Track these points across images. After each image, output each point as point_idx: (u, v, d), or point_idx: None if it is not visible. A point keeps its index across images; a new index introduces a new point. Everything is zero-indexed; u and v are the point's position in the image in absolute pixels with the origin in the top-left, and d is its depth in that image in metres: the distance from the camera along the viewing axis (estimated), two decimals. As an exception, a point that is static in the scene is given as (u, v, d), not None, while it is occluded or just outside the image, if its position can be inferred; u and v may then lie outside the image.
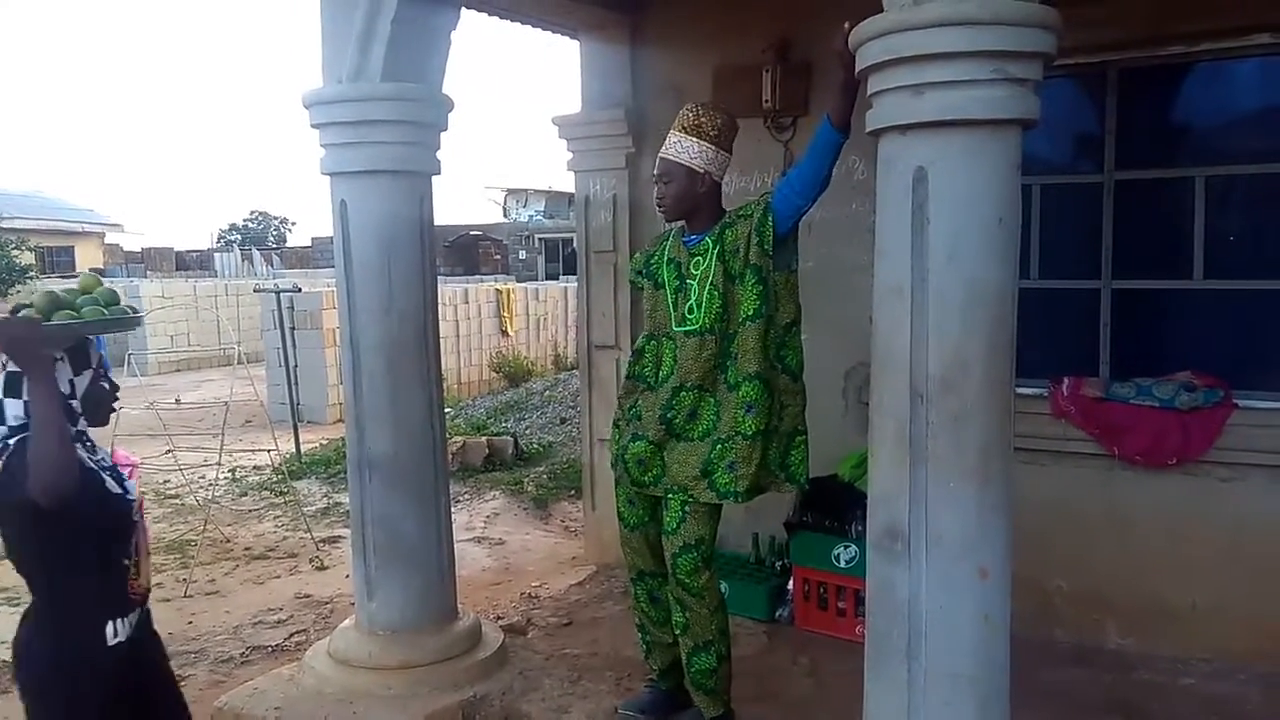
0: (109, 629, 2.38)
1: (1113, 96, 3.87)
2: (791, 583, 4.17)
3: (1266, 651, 3.55)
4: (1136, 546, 3.78)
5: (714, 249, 3.06)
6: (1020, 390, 3.88)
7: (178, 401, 10.64)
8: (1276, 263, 3.68)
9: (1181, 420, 3.65)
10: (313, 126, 3.51)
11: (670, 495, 3.10)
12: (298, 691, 3.51)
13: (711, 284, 3.04)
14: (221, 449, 6.88)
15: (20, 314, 2.34)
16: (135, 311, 2.63)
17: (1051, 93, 3.91)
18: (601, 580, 4.93)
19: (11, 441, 2.25)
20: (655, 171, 3.16)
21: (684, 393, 3.08)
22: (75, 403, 2.38)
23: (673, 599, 3.12)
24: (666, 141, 3.14)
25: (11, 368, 2.29)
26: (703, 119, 3.09)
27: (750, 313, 3.02)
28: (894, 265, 2.51)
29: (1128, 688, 3.52)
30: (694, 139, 3.08)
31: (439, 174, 3.63)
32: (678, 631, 3.14)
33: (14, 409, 2.28)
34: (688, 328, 3.08)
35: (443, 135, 3.64)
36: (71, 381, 2.37)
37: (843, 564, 3.91)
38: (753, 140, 4.44)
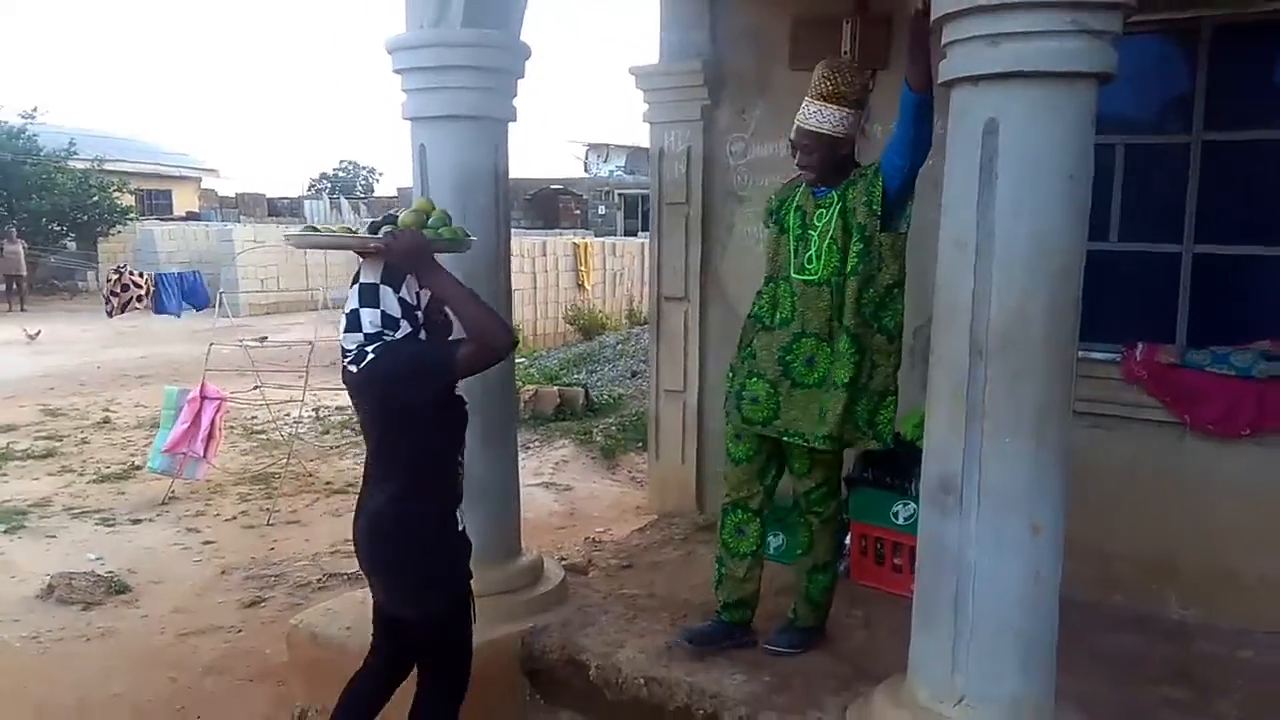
0: (458, 517, 2.74)
1: (1204, 54, 3.73)
2: (849, 537, 4.20)
3: (1333, 627, 3.48)
4: (1203, 516, 3.71)
5: (837, 204, 3.14)
6: (1092, 354, 3.89)
7: (263, 341, 11.01)
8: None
9: (1258, 389, 3.56)
10: (395, 72, 3.60)
11: (786, 438, 3.26)
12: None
13: (831, 237, 3.14)
14: (306, 387, 7.14)
15: (392, 228, 2.69)
16: (470, 235, 2.94)
17: (1141, 49, 3.84)
18: (662, 528, 5.02)
19: (369, 349, 2.58)
20: (795, 139, 3.19)
21: (805, 339, 3.20)
22: (419, 313, 2.67)
23: (802, 523, 3.43)
24: (804, 110, 3.14)
25: (366, 279, 2.63)
26: (842, 86, 3.10)
27: (850, 268, 3.11)
28: (960, 219, 2.51)
29: (1185, 657, 3.49)
30: (834, 106, 3.10)
31: (515, 121, 3.70)
32: (800, 552, 3.45)
33: (370, 317, 2.61)
34: (806, 277, 3.19)
35: (520, 84, 3.70)
36: (417, 294, 2.67)
37: (901, 520, 3.93)
38: (829, 93, 4.41)
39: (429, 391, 2.60)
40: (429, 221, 2.80)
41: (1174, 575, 3.80)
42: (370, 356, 2.58)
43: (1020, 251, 2.42)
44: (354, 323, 2.63)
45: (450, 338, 2.72)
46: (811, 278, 3.17)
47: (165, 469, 6.60)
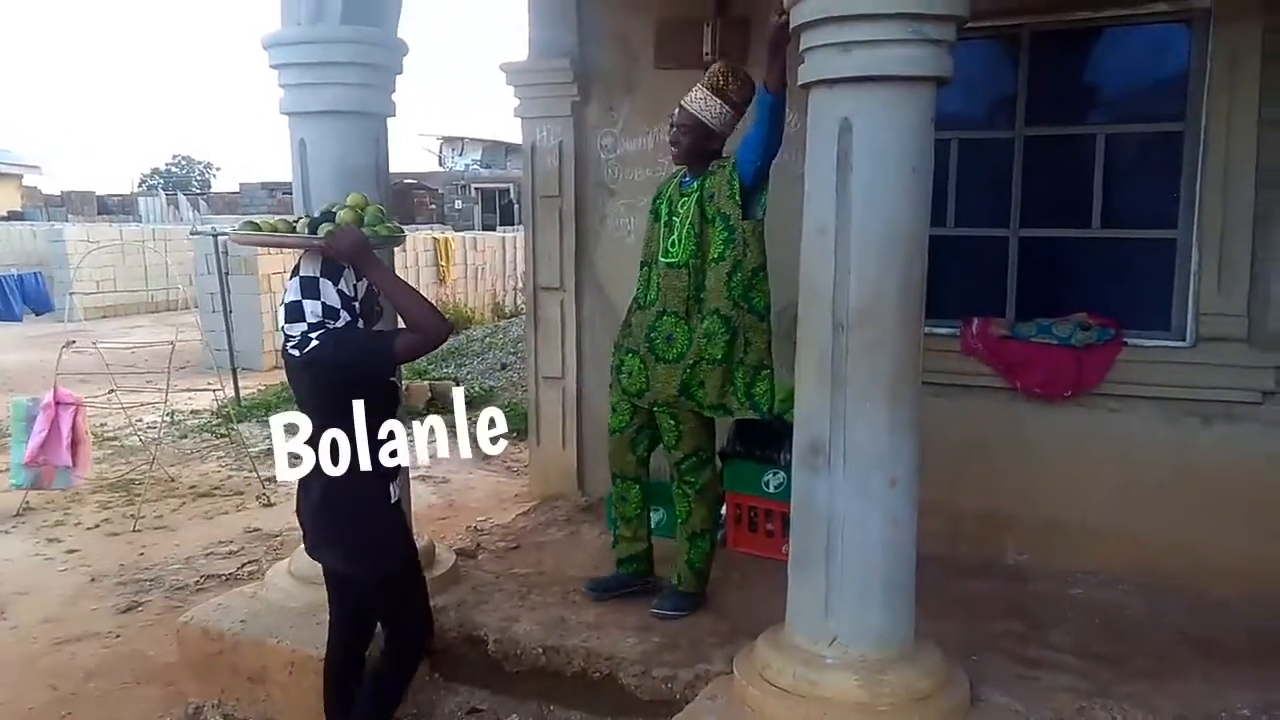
0: (392, 488, 2.95)
1: (1025, 58, 4.17)
2: (724, 508, 4.48)
3: (1146, 565, 3.96)
4: (1035, 471, 4.16)
5: (696, 193, 3.45)
6: (934, 330, 4.27)
7: (70, 345, 10.48)
8: (1164, 214, 4.04)
9: (1076, 356, 4.02)
10: (272, 67, 3.63)
11: (657, 409, 3.58)
12: (262, 606, 3.72)
13: (690, 224, 3.44)
14: (168, 389, 6.95)
15: (332, 224, 2.86)
16: (402, 231, 3.14)
17: (971, 53, 4.24)
18: (545, 510, 5.18)
19: (313, 336, 2.76)
20: (675, 119, 3.48)
21: (665, 317, 3.51)
22: (357, 304, 2.85)
23: (678, 494, 3.69)
24: (692, 94, 3.43)
25: (306, 272, 2.79)
26: (730, 84, 3.40)
27: (716, 255, 3.41)
28: (820, 208, 2.78)
29: (1024, 597, 3.91)
30: (719, 99, 3.40)
31: (393, 116, 3.79)
32: (679, 519, 3.69)
33: (312, 307, 2.78)
34: (669, 260, 3.51)
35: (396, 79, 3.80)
36: (355, 286, 2.85)
37: (772, 489, 4.23)
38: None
39: (373, 377, 2.83)
40: (365, 219, 2.94)
41: (1010, 526, 4.24)
42: (314, 343, 2.76)
43: (874, 236, 2.72)
44: (296, 313, 2.79)
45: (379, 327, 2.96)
46: (673, 260, 3.49)
47: (31, 483, 6.30)
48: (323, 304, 2.80)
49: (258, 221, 3.03)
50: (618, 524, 3.87)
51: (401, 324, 2.93)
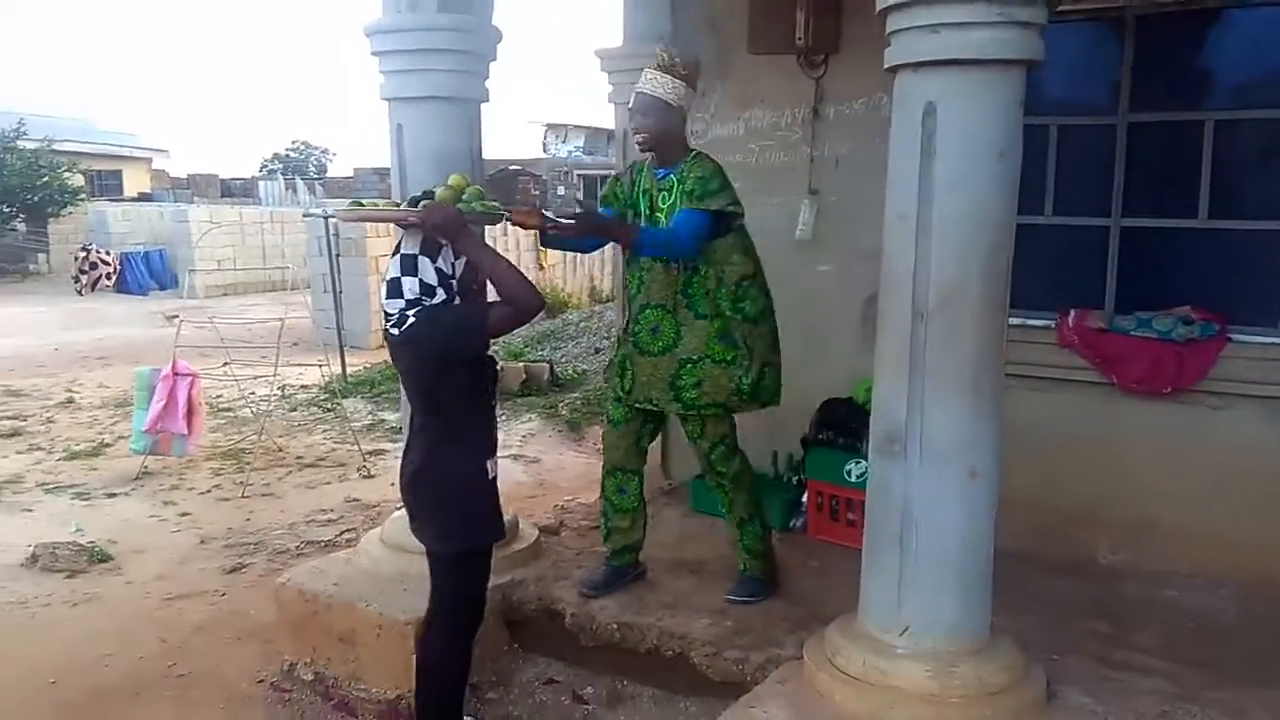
0: (489, 465, 3.03)
1: (1130, 41, 4.01)
2: (806, 495, 4.47)
3: (1244, 569, 3.79)
4: (1131, 469, 4.02)
5: (679, 186, 3.43)
6: (1029, 321, 4.18)
7: (175, 319, 10.83)
8: (1276, 205, 3.85)
9: (1177, 351, 3.87)
10: (372, 54, 3.77)
11: (639, 404, 3.58)
12: (354, 571, 3.88)
13: (675, 217, 3.41)
14: (277, 362, 7.26)
15: (429, 202, 2.95)
16: (499, 208, 3.16)
17: (1072, 37, 4.12)
18: (630, 491, 5.24)
19: (410, 313, 2.85)
20: (632, 106, 3.47)
21: (650, 310, 3.50)
22: (454, 282, 2.93)
23: (714, 485, 3.68)
24: (643, 79, 3.43)
25: (406, 250, 2.88)
26: (675, 60, 3.41)
27: (704, 255, 3.41)
28: (902, 193, 2.75)
29: (1112, 598, 3.80)
30: (669, 76, 3.39)
31: (488, 102, 3.89)
32: (725, 510, 3.69)
33: (410, 285, 2.87)
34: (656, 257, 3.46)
35: (491, 66, 3.89)
36: (453, 264, 2.93)
37: (853, 478, 4.20)
38: (785, 75, 4.66)
39: (466, 350, 2.92)
40: (464, 196, 3.03)
41: (1104, 525, 4.11)
42: (410, 320, 2.85)
43: (957, 221, 2.67)
44: (395, 289, 2.89)
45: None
46: (661, 257, 3.45)
47: (149, 448, 6.71)
48: (420, 281, 2.88)
49: (364, 202, 3.19)
50: (611, 517, 3.78)
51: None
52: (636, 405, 3.60)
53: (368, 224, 12.79)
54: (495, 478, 3.10)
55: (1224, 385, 3.86)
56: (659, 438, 5.38)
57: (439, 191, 3.04)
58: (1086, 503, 4.12)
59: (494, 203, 3.12)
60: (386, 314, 2.93)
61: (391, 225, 3.19)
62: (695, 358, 3.45)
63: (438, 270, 2.90)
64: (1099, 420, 4.10)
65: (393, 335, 2.92)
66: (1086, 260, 4.23)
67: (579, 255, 17.04)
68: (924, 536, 2.78)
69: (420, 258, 2.89)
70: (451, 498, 3.02)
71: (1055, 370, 4.15)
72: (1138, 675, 3.12)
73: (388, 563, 3.83)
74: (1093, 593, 3.84)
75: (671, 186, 3.45)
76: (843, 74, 4.56)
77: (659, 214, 3.48)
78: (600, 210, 3.72)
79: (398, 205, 3.10)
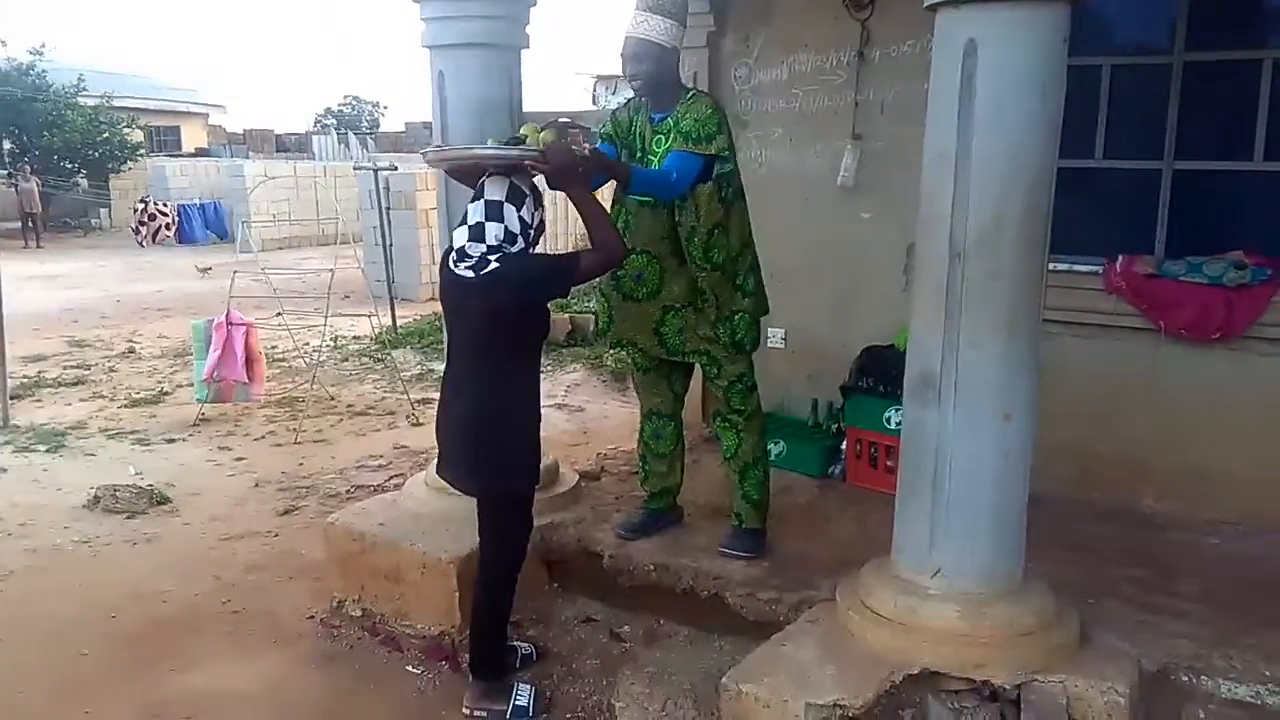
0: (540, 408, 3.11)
1: (1187, -25, 3.89)
2: (845, 443, 4.47)
3: (1293, 517, 3.74)
4: (1177, 416, 3.97)
5: (673, 130, 3.35)
6: (1076, 266, 4.12)
7: (207, 271, 10.71)
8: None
9: (1227, 297, 3.78)
10: (413, 1, 3.79)
11: (618, 348, 3.62)
12: (399, 513, 3.98)
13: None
14: (328, 314, 7.39)
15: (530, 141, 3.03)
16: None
17: (1126, -28, 3.98)
18: (671, 438, 5.28)
19: (492, 258, 2.90)
20: (624, 52, 3.35)
21: (634, 255, 3.44)
22: (532, 232, 3.00)
23: (725, 426, 3.62)
24: (633, 22, 3.30)
25: (491, 196, 2.92)
26: (665, 1, 3.28)
27: (693, 198, 3.35)
28: (941, 133, 2.71)
29: (1155, 545, 3.76)
30: (660, 17, 3.27)
31: (528, 49, 3.89)
32: (727, 456, 3.62)
33: (495, 231, 2.92)
34: (641, 198, 3.41)
35: (532, 11, 3.88)
36: (534, 214, 3.00)
37: (893, 425, 4.18)
38: (830, 17, 4.58)
39: (555, 296, 3.06)
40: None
41: (1148, 472, 4.07)
42: (493, 265, 2.89)
43: (996, 162, 2.63)
44: (479, 234, 2.93)
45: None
46: (646, 200, 3.40)
47: (212, 397, 6.90)
48: (505, 228, 2.91)
49: (472, 146, 3.22)
50: (649, 460, 3.82)
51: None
52: (616, 348, 3.57)
53: (418, 174, 12.88)
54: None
55: (1274, 331, 3.77)
56: (700, 387, 5.44)
57: (543, 134, 3.06)
58: (1131, 450, 4.07)
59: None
60: (463, 256, 2.94)
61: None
62: (679, 305, 3.44)
63: (521, 219, 2.94)
64: (1145, 367, 4.04)
65: (466, 277, 2.93)
66: (1136, 204, 4.14)
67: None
68: (957, 479, 2.78)
69: (506, 205, 2.92)
70: (514, 440, 3.07)
71: (1102, 316, 4.09)
72: (1173, 619, 3.11)
73: (431, 504, 3.92)
74: (1135, 539, 3.81)
75: (668, 130, 3.37)
76: (889, 16, 4.47)
77: (651, 157, 3.42)
78: (601, 147, 3.62)
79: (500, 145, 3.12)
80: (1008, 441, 2.75)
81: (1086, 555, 3.61)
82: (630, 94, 3.61)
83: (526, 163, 2.96)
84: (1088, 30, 3.85)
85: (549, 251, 3.22)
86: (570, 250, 3.06)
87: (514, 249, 2.93)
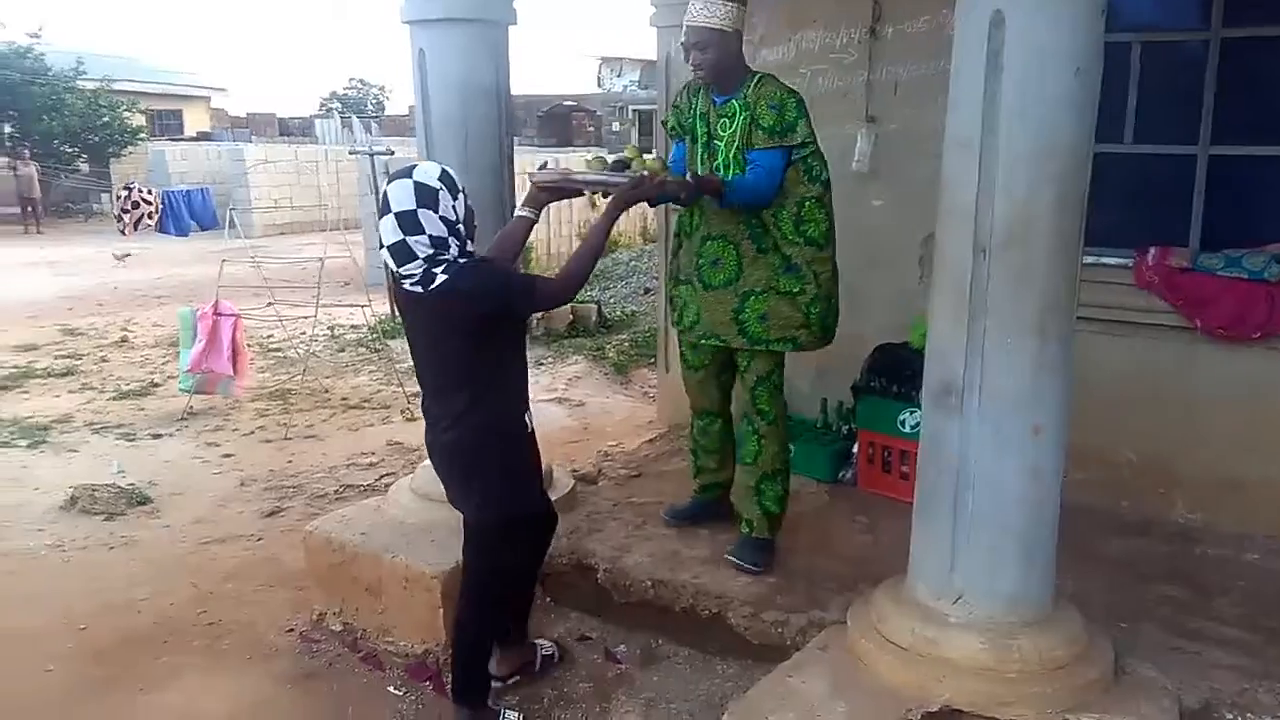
0: (527, 418, 2.89)
1: (1227, -54, 3.61)
2: (856, 446, 4.23)
3: (1337, 531, 3.49)
4: (1212, 421, 3.72)
5: (741, 114, 3.19)
6: (1104, 259, 3.86)
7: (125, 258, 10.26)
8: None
9: (1269, 293, 3.53)
10: (392, -27, 3.53)
11: (704, 341, 3.39)
12: (382, 520, 3.76)
13: (738, 148, 3.20)
14: (318, 304, 7.16)
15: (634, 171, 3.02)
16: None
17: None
18: (671, 439, 5.06)
19: (436, 270, 2.63)
20: (687, 41, 3.20)
21: (710, 242, 3.30)
22: (461, 226, 2.71)
23: (749, 430, 3.41)
24: (692, 9, 3.15)
25: (398, 208, 2.61)
26: None
27: None
28: (965, 116, 2.46)
29: (1188, 559, 3.52)
30: (720, 1, 3.11)
31: (515, 24, 3.64)
32: (748, 461, 3.43)
33: (418, 242, 2.63)
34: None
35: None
36: (453, 207, 2.69)
37: (907, 429, 3.94)
38: (841, -8, 4.31)
39: (516, 313, 2.77)
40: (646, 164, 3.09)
41: (1180, 480, 3.82)
42: (441, 277, 2.62)
43: (1026, 146, 2.38)
44: (404, 252, 2.63)
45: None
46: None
47: (195, 388, 6.68)
48: (429, 235, 2.63)
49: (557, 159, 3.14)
50: (700, 455, 3.70)
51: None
52: (701, 342, 3.41)
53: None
54: (533, 431, 2.94)
55: (1321, 331, 3.51)
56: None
57: (649, 161, 3.02)
58: (1163, 456, 3.82)
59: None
60: (403, 276, 2.68)
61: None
62: (759, 289, 3.25)
63: (442, 219, 2.64)
64: (1179, 367, 3.78)
65: (416, 293, 2.66)
66: (1170, 192, 3.88)
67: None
68: (981, 497, 2.54)
69: (420, 210, 2.62)
70: (494, 470, 2.84)
71: (1132, 313, 3.84)
72: (1214, 647, 2.87)
73: (416, 513, 3.70)
74: (1167, 554, 3.57)
75: (733, 114, 3.20)
76: (903, -6, 4.20)
77: (718, 141, 3.25)
78: (673, 145, 3.50)
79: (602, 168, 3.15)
80: (1038, 457, 2.51)
81: (1116, 571, 3.37)
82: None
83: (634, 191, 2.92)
84: (1116, 4, 3.58)
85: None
86: (529, 274, 2.86)
87: (453, 253, 2.66)
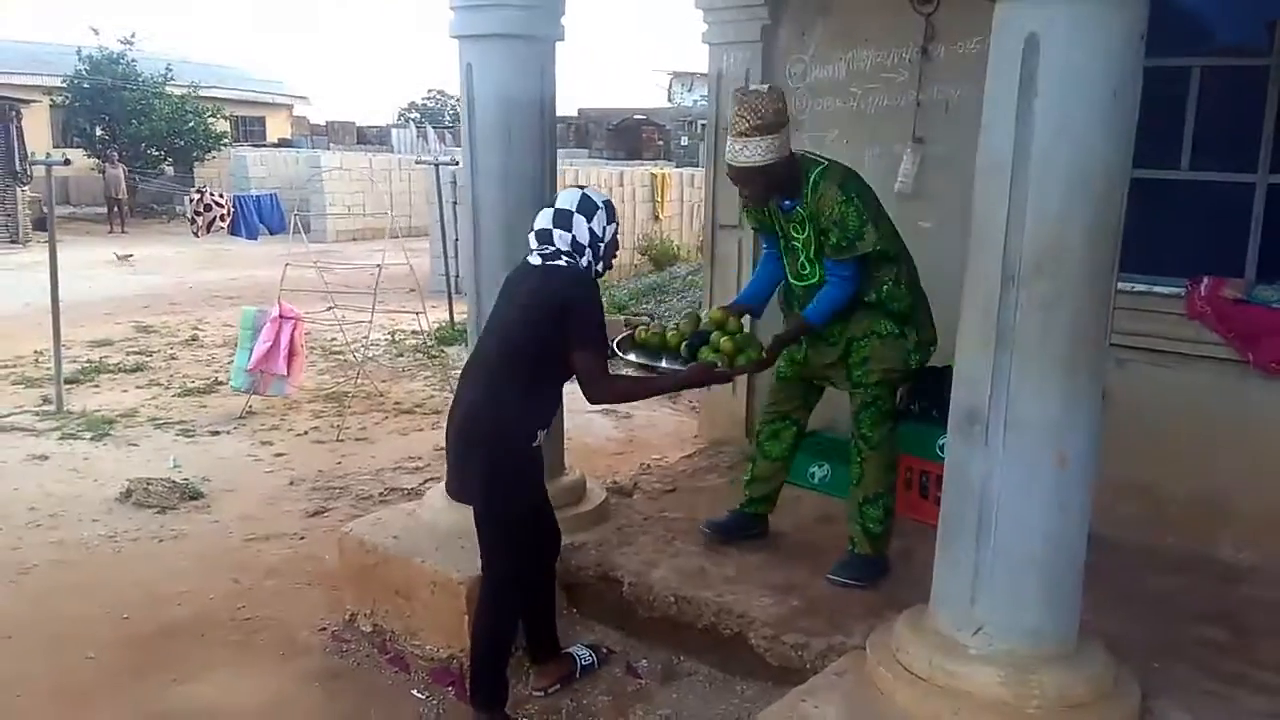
0: (540, 435, 2.97)
1: (1292, -31, 3.49)
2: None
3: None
4: (1264, 457, 3.57)
5: (808, 224, 3.31)
6: (1155, 288, 3.77)
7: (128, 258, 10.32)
8: None
9: (1328, 328, 3.39)
10: (443, -12, 3.60)
11: (818, 382, 3.59)
12: (415, 524, 3.81)
13: (816, 249, 3.34)
14: (374, 309, 7.30)
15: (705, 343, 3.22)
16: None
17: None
18: (710, 455, 5.05)
19: (561, 260, 2.87)
20: (731, 177, 3.30)
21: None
22: (602, 245, 2.96)
23: (852, 451, 3.48)
24: (731, 150, 3.19)
25: (561, 206, 2.92)
26: (757, 118, 3.13)
27: None
28: (997, 141, 2.42)
29: (1233, 601, 3.39)
30: (757, 137, 3.13)
31: (562, 40, 3.67)
32: (852, 482, 3.47)
33: (561, 237, 2.88)
34: (805, 283, 3.42)
35: (596, 11, 3.70)
36: (605, 228, 2.95)
37: (946, 454, 3.87)
38: (892, 10, 4.28)
39: (588, 341, 2.82)
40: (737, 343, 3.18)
41: (1229, 517, 3.69)
42: (559, 262, 2.85)
43: (1059, 173, 2.33)
44: (545, 238, 2.90)
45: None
46: (810, 282, 3.40)
47: (248, 387, 6.86)
48: (573, 237, 2.87)
49: (635, 336, 3.37)
50: (758, 461, 3.72)
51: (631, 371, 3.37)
52: (812, 381, 3.58)
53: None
54: (540, 446, 2.97)
55: (1382, 368, 3.36)
56: (747, 403, 5.19)
57: (722, 342, 3.15)
58: (1210, 492, 3.70)
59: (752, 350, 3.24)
60: (532, 252, 2.91)
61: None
62: (861, 335, 3.38)
63: (591, 230, 2.89)
64: (1229, 402, 3.66)
65: (532, 263, 2.89)
66: (1225, 221, 3.76)
67: (696, 206, 16.78)
68: (1005, 528, 2.49)
69: (576, 215, 2.88)
70: (505, 457, 2.90)
71: (1182, 344, 3.72)
72: (1251, 693, 2.76)
73: (449, 517, 3.73)
74: (1211, 593, 3.44)
75: (801, 220, 3.33)
76: (956, 9, 4.15)
77: (795, 243, 3.39)
78: (764, 244, 3.62)
79: (664, 332, 3.35)
80: (1064, 489, 2.45)
81: (1154, 610, 3.26)
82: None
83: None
84: (1174, 28, 3.49)
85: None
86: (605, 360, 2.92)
87: (583, 261, 2.89)
